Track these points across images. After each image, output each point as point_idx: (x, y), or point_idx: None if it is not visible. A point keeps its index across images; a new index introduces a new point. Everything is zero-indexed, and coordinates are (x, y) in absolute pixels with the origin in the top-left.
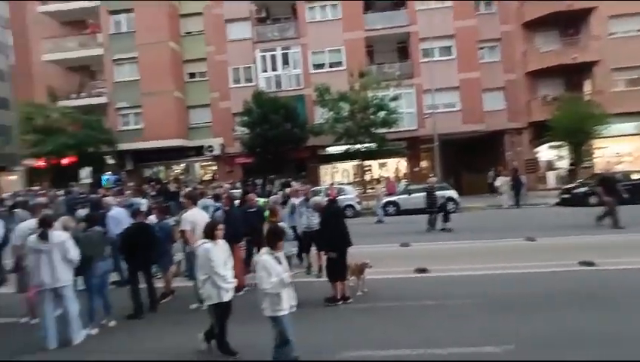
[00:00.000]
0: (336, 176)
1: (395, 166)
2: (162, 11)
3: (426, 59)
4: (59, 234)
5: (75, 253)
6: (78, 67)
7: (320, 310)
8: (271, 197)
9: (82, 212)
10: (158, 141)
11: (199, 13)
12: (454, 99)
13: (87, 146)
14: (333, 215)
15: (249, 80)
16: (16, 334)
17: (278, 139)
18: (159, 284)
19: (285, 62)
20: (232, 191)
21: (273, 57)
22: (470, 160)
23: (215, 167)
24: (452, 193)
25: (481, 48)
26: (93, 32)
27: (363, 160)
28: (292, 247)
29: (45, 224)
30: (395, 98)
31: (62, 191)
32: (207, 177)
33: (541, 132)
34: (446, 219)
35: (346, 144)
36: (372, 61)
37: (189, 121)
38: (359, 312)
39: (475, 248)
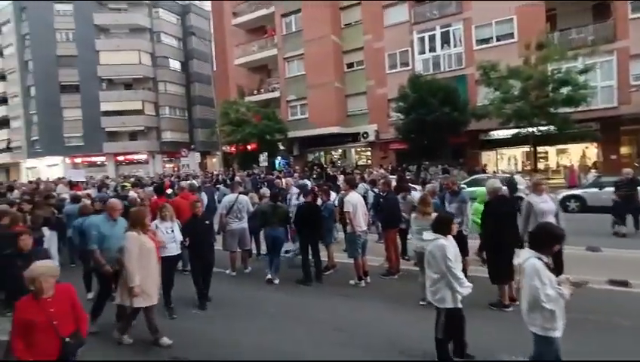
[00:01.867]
0: (501, 163)
1: (581, 153)
2: (325, 7)
3: (637, 15)
4: None
5: None
6: (258, 67)
7: (482, 311)
8: (427, 185)
9: (264, 190)
10: (320, 129)
11: (358, 3)
12: None
13: (265, 135)
14: (502, 209)
15: (405, 64)
16: (223, 281)
17: (435, 124)
18: (324, 258)
19: (445, 41)
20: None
21: (432, 37)
22: None
23: (369, 153)
24: None
25: None
26: (270, 36)
27: (536, 145)
28: None
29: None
30: (586, 70)
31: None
32: (362, 162)
33: None
34: (637, 225)
35: (515, 127)
36: (553, 27)
37: (347, 108)
38: None
39: None
